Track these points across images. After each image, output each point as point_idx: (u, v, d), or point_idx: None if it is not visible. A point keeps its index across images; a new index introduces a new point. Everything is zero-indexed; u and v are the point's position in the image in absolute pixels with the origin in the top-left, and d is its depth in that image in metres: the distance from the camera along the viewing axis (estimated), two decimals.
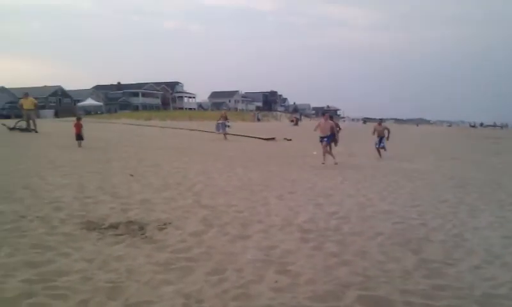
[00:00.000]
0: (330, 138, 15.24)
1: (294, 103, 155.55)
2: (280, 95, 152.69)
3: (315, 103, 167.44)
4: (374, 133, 18.70)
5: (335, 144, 17.64)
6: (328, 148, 15.41)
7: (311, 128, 17.78)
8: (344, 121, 65.03)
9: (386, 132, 18.49)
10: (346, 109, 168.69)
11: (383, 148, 18.34)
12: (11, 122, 24.79)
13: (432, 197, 9.37)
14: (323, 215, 7.30)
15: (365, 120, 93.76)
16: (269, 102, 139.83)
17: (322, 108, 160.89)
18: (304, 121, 78.79)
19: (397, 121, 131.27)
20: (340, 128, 17.95)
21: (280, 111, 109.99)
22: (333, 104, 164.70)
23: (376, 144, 18.56)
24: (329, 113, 17.78)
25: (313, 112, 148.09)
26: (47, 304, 3.59)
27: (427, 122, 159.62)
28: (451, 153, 22.96)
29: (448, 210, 8.06)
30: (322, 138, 15.23)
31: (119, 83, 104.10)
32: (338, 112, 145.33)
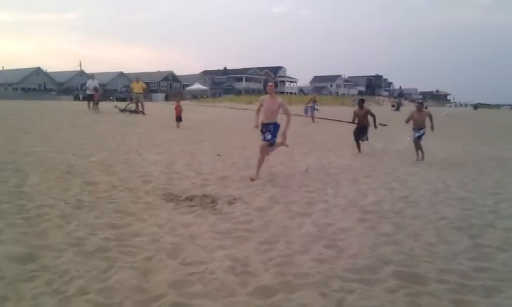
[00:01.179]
0: (275, 129, 8.95)
1: (400, 87, 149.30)
2: (385, 79, 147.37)
3: (423, 88, 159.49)
4: (408, 122, 12.55)
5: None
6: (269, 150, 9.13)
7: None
8: (450, 106, 61.16)
9: (428, 120, 12.20)
10: (458, 94, 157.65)
11: (418, 140, 12.14)
12: (124, 104, 27.40)
13: None
14: (391, 199, 7.35)
15: (477, 106, 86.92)
16: (373, 86, 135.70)
17: (431, 92, 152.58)
18: (408, 106, 75.48)
19: None
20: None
21: (383, 96, 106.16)
22: (443, 89, 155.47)
23: (414, 137, 12.30)
24: (272, 83, 9.42)
25: (420, 96, 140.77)
26: (117, 257, 4.30)
27: None
28: None
29: None
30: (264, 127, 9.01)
31: (225, 68, 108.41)
32: (448, 97, 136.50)
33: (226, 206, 6.46)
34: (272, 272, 4.13)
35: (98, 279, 3.80)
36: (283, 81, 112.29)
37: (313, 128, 22.81)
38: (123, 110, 24.93)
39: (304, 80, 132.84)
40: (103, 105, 28.12)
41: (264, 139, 8.85)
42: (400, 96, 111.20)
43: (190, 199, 6.77)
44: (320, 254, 4.64)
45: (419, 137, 12.22)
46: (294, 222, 5.83)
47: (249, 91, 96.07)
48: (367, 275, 4.11)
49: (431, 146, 14.39)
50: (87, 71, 73.94)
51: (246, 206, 6.47)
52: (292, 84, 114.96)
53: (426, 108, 13.76)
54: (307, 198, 7.19)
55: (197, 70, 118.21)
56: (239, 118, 29.56)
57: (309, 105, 28.01)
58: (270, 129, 8.89)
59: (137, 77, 25.62)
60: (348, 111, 13.91)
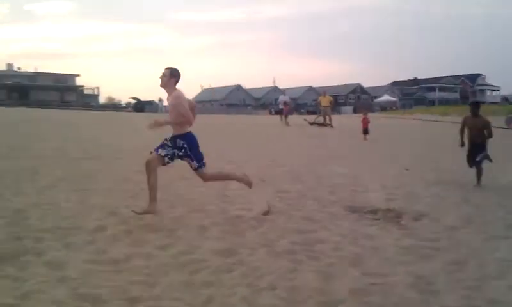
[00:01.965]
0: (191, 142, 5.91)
1: None
2: None
3: None
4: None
5: None
6: None
7: None
8: None
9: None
10: None
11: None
12: (313, 117, 28.62)
13: None
14: None
15: None
16: None
17: None
18: None
19: None
20: None
21: None
22: None
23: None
24: (167, 70, 5.77)
25: None
26: (302, 260, 4.61)
27: None
28: None
29: None
30: None
31: (415, 78, 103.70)
32: None
33: (411, 222, 6.28)
34: (458, 294, 3.91)
35: (284, 278, 4.15)
36: (483, 90, 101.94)
37: None
38: (312, 124, 26.02)
39: (509, 87, 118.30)
40: (293, 118, 29.75)
41: (157, 150, 5.74)
42: None
43: (373, 212, 6.77)
44: None
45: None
46: (487, 245, 5.36)
47: (444, 102, 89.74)
48: None
49: None
50: (280, 87, 79.32)
51: (434, 224, 6.19)
52: (493, 92, 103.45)
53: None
54: (508, 220, 6.51)
55: (385, 81, 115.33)
56: (432, 130, 27.99)
57: None
58: (182, 145, 5.77)
59: (325, 91, 26.62)
60: None
